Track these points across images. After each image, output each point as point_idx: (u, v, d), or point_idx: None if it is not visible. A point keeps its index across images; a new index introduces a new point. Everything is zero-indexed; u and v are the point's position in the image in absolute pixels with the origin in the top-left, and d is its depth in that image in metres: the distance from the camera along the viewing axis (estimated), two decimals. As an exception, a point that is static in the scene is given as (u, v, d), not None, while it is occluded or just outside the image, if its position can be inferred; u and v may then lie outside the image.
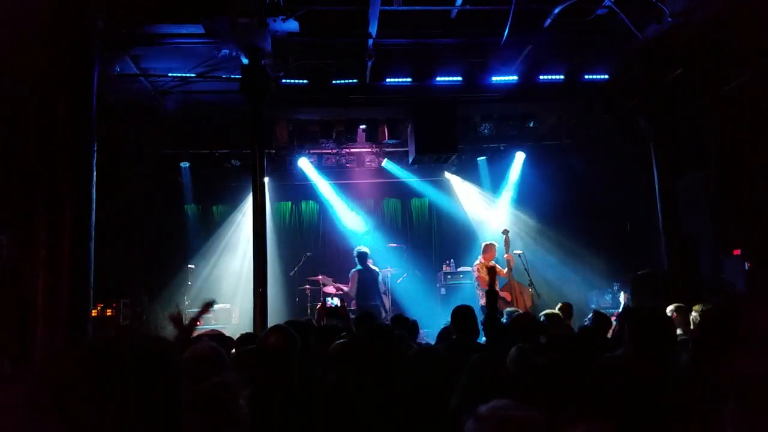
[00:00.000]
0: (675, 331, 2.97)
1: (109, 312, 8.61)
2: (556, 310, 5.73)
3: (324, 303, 5.39)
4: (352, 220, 10.87)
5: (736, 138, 7.75)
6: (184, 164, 9.59)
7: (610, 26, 7.28)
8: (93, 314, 6.56)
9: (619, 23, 7.09)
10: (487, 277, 8.55)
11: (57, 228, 3.28)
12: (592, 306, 8.94)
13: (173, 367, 0.97)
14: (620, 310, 7.26)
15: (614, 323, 5.53)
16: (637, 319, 2.64)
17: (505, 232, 8.81)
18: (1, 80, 6.61)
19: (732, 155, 7.92)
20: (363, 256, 8.87)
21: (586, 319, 5.68)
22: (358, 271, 8.76)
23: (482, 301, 8.51)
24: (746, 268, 7.77)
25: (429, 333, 8.29)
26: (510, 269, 8.60)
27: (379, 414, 1.67)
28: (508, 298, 8.49)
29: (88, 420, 0.83)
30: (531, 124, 9.45)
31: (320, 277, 9.70)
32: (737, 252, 8.20)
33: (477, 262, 8.84)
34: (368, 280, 8.77)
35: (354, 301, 8.72)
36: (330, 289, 9.63)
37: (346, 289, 9.13)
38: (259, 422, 2.25)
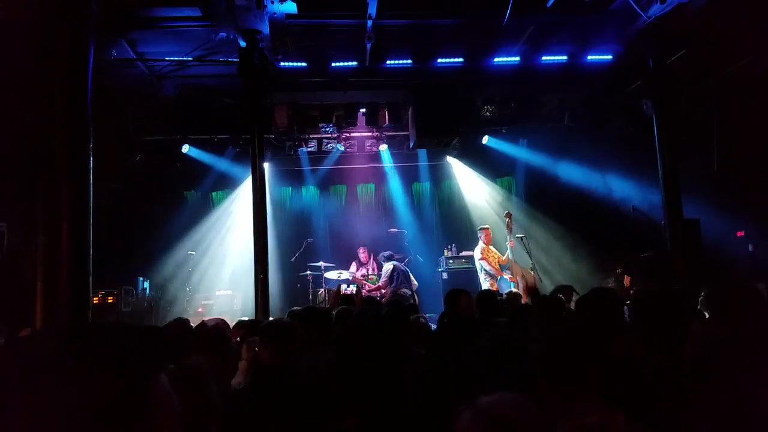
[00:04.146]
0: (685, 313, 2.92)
1: (110, 299, 8.62)
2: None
3: (339, 288, 5.35)
4: None
5: (739, 119, 7.67)
6: (186, 147, 9.47)
7: (614, 6, 7.17)
8: (95, 301, 6.58)
9: (623, 3, 6.99)
10: (493, 264, 8.62)
11: (55, 215, 3.24)
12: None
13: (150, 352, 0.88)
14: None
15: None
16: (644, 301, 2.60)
17: (508, 215, 8.78)
18: (-4, 66, 6.53)
19: (735, 136, 7.85)
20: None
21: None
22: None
23: (484, 285, 8.54)
24: (750, 249, 7.76)
25: (431, 318, 8.28)
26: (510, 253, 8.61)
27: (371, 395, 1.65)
28: (511, 280, 8.51)
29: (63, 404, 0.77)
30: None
31: (321, 263, 9.69)
32: (741, 234, 8.17)
33: (478, 246, 8.86)
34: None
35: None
36: (331, 275, 9.63)
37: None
38: (262, 402, 2.27)
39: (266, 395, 2.31)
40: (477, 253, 8.80)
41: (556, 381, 1.53)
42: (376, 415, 1.60)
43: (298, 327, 3.22)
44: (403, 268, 9.15)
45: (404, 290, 8.79)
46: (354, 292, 5.15)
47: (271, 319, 3.54)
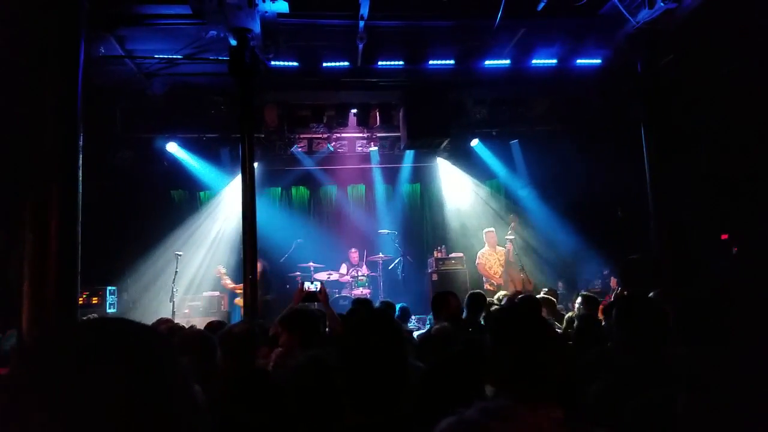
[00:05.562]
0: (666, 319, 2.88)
1: (95, 300, 8.48)
2: (543, 295, 5.79)
3: (302, 286, 5.25)
4: None
5: (727, 123, 7.77)
6: (173, 146, 9.38)
7: (603, 11, 7.24)
8: (79, 301, 6.46)
9: (612, 8, 7.06)
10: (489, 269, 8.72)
11: (44, 212, 3.19)
12: (583, 291, 8.99)
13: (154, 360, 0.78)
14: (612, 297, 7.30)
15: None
16: (626, 307, 2.53)
17: (513, 218, 8.91)
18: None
19: (723, 140, 7.94)
20: None
21: (578, 304, 5.71)
22: None
23: (485, 286, 8.67)
24: (734, 252, 7.86)
25: (420, 319, 8.29)
26: (509, 255, 8.73)
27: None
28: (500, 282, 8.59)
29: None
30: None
31: (311, 263, 9.65)
32: (725, 237, 8.27)
33: (482, 251, 9.00)
34: None
35: None
36: (321, 276, 9.59)
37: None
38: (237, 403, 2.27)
39: (229, 406, 2.30)
40: (478, 256, 8.99)
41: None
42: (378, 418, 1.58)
43: (276, 331, 3.18)
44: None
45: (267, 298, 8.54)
46: (319, 290, 5.08)
47: (229, 325, 3.46)
